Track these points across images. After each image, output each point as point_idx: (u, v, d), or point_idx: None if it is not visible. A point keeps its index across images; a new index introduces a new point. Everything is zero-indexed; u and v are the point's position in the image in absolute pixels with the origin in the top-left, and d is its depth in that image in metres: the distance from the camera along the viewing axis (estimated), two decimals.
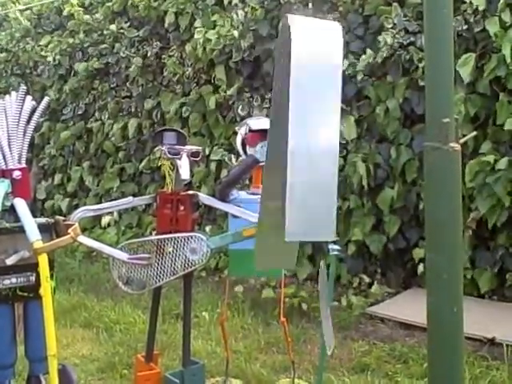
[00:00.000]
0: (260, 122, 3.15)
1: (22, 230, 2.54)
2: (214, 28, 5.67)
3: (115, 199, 3.65)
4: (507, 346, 3.84)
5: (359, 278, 5.03)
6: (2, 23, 8.26)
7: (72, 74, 7.23)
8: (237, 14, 5.53)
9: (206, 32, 5.65)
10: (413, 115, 4.83)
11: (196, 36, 5.71)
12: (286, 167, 1.84)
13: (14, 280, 2.65)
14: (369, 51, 4.85)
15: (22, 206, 2.60)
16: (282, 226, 1.87)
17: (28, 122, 2.76)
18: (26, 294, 2.67)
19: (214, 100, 5.80)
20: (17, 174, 2.68)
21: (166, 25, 6.20)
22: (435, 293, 2.17)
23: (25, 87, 2.86)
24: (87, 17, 6.94)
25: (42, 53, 7.35)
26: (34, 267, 2.59)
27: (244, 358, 3.95)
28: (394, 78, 4.85)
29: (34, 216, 2.61)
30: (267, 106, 5.50)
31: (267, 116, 5.14)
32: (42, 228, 2.60)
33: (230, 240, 2.78)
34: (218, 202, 3.04)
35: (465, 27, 4.48)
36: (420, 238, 4.82)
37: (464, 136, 2.30)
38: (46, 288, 2.47)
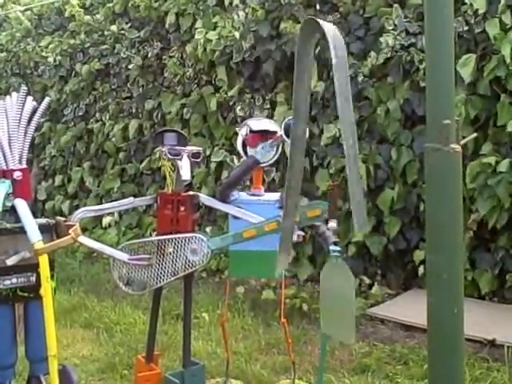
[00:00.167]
0: (260, 123, 3.15)
1: (22, 230, 2.55)
2: (214, 29, 5.67)
3: (116, 200, 3.65)
4: (508, 347, 3.84)
5: (359, 279, 5.03)
6: (2, 24, 8.27)
7: (73, 74, 7.24)
8: (237, 15, 5.53)
9: (206, 33, 5.66)
10: (413, 116, 4.83)
11: (197, 37, 5.71)
12: None
13: (14, 280, 2.65)
14: (373, 53, 4.84)
15: (22, 206, 2.60)
16: None
17: (29, 122, 2.76)
18: (26, 295, 2.67)
19: (214, 101, 5.80)
20: (17, 175, 2.68)
21: (166, 25, 6.20)
22: (435, 294, 2.17)
23: (25, 88, 2.86)
24: (88, 17, 6.94)
25: (43, 53, 7.35)
26: (34, 268, 2.59)
27: (244, 359, 3.95)
28: (394, 79, 4.85)
29: (35, 217, 2.61)
30: (267, 106, 5.50)
31: (267, 117, 5.16)
32: (43, 228, 2.61)
33: (230, 241, 2.78)
34: (219, 202, 3.05)
35: (465, 28, 4.48)
36: (420, 240, 4.82)
37: (464, 137, 2.30)
38: (47, 288, 2.47)
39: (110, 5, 6.80)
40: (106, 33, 6.80)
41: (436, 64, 2.17)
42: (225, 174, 5.74)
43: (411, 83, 4.78)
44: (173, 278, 2.75)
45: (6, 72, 8.06)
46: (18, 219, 2.60)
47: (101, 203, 6.51)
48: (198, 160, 3.03)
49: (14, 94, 2.78)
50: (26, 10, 7.79)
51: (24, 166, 2.73)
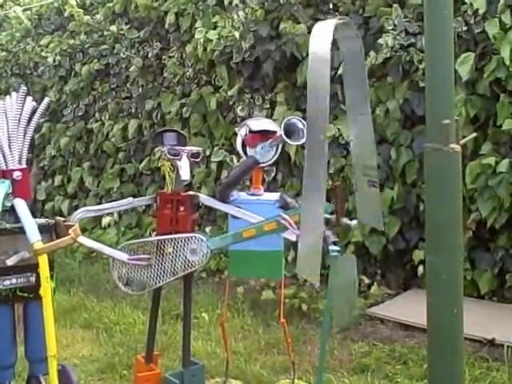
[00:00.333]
0: (260, 123, 3.15)
1: (22, 230, 2.55)
2: (214, 29, 5.67)
3: (115, 200, 3.65)
4: (507, 347, 3.84)
5: (359, 279, 5.02)
6: (1, 23, 8.27)
7: (72, 74, 7.24)
8: (237, 15, 5.53)
9: (206, 32, 5.65)
10: (413, 116, 4.83)
11: (196, 36, 5.70)
12: None
13: (14, 281, 2.65)
14: (372, 53, 4.84)
15: (22, 206, 2.61)
16: None
17: (28, 122, 2.76)
18: (26, 295, 2.67)
19: (214, 101, 5.80)
20: (17, 175, 2.68)
21: (166, 25, 6.19)
22: (435, 294, 2.18)
23: (25, 88, 2.87)
24: (87, 18, 6.94)
25: (43, 53, 7.35)
26: (34, 268, 2.59)
27: (244, 359, 3.95)
28: (394, 79, 4.85)
29: (34, 217, 2.61)
30: (267, 106, 5.50)
31: (267, 117, 5.16)
32: (42, 229, 2.61)
33: (230, 241, 2.78)
34: (218, 202, 3.05)
35: (465, 28, 4.48)
36: (420, 240, 4.81)
37: (464, 137, 2.31)
38: (46, 288, 2.48)
39: (110, 5, 6.80)
40: (105, 33, 6.80)
41: (435, 64, 2.18)
42: (224, 173, 5.74)
43: (411, 83, 4.78)
44: (172, 278, 2.75)
45: (6, 72, 8.05)
46: (17, 219, 2.60)
47: (100, 203, 6.51)
48: (198, 160, 3.03)
49: (14, 94, 2.78)
50: (26, 9, 7.78)
51: (23, 166, 2.73)
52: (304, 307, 4.67)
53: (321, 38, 2.24)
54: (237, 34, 5.46)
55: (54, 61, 7.21)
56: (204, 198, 3.09)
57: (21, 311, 2.73)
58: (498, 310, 4.49)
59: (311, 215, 2.37)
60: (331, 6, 5.25)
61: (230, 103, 5.76)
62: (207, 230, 5.77)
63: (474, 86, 4.55)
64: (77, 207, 6.36)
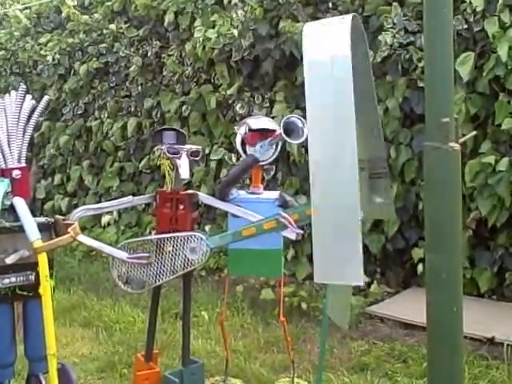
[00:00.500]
0: (259, 122, 3.15)
1: (21, 229, 2.55)
2: (213, 27, 5.67)
3: (115, 198, 3.65)
4: (507, 345, 3.84)
5: None
6: (1, 22, 8.27)
7: (72, 73, 7.24)
8: (236, 14, 5.53)
9: (205, 31, 5.65)
10: (412, 115, 4.83)
11: (196, 35, 5.70)
12: None
13: (13, 279, 2.65)
14: (370, 52, 4.84)
15: (21, 205, 2.60)
16: None
17: (28, 121, 2.76)
18: (25, 293, 2.67)
19: (214, 99, 5.80)
20: (16, 174, 2.68)
21: (165, 24, 6.19)
22: (435, 292, 2.18)
23: (24, 86, 2.86)
24: (86, 17, 6.94)
25: (42, 52, 7.35)
26: (33, 266, 2.59)
27: (243, 358, 3.95)
28: (393, 77, 4.85)
29: (34, 215, 2.61)
30: (267, 105, 5.50)
31: (266, 115, 5.16)
32: (42, 227, 2.61)
33: (229, 239, 2.78)
34: (218, 201, 3.04)
35: (465, 27, 4.48)
36: (419, 238, 4.82)
37: (464, 135, 2.30)
38: (46, 287, 2.47)
39: (109, 3, 6.80)
40: (104, 31, 6.80)
41: (435, 62, 2.18)
42: (224, 172, 5.74)
43: (410, 82, 4.78)
44: (172, 277, 2.75)
45: (5, 71, 8.05)
46: (16, 218, 2.60)
47: (100, 202, 6.50)
48: (197, 158, 3.03)
49: (13, 92, 2.78)
50: (25, 8, 7.78)
51: (23, 164, 2.73)
52: (304, 306, 4.68)
53: (338, 40, 2.21)
54: (236, 33, 5.46)
55: (54, 59, 7.21)
56: (203, 197, 3.08)
57: (20, 310, 2.72)
58: (497, 308, 4.49)
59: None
60: (330, 5, 5.24)
61: (230, 102, 5.76)
62: (207, 228, 5.77)
63: (474, 84, 4.55)
64: (76, 206, 6.36)
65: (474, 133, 3.72)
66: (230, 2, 5.71)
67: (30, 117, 2.76)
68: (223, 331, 3.35)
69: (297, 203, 3.03)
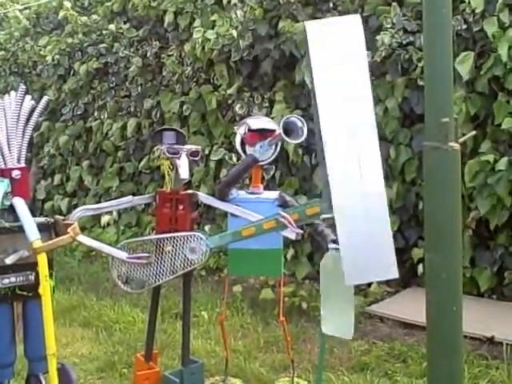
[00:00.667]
0: (259, 122, 3.15)
1: (21, 229, 2.55)
2: (213, 28, 5.67)
3: (114, 198, 3.65)
4: (506, 344, 3.84)
5: None
6: (0, 23, 8.27)
7: (71, 73, 7.24)
8: (236, 14, 5.53)
9: (205, 31, 5.65)
10: (412, 115, 4.83)
11: (195, 35, 5.70)
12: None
13: (13, 279, 2.65)
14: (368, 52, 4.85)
15: (21, 205, 2.61)
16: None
17: (27, 121, 2.76)
18: (25, 293, 2.67)
19: (213, 99, 5.80)
20: (16, 174, 2.68)
21: (165, 24, 6.20)
22: (434, 292, 2.18)
23: (24, 87, 2.86)
24: (85, 18, 6.94)
25: (41, 52, 7.35)
26: (33, 266, 2.59)
27: (243, 357, 3.95)
28: (393, 77, 4.85)
29: (34, 215, 2.61)
30: (266, 105, 5.50)
31: (266, 115, 5.16)
32: (42, 227, 2.61)
33: (229, 239, 2.78)
34: (218, 201, 3.05)
35: (464, 27, 4.48)
36: (419, 238, 4.82)
37: (463, 135, 2.30)
38: (46, 287, 2.47)
39: (109, 4, 6.80)
40: (104, 32, 6.80)
41: (434, 62, 2.18)
42: (224, 172, 5.74)
43: (409, 81, 4.78)
44: (172, 277, 2.75)
45: (5, 71, 8.06)
46: (16, 218, 2.60)
47: (99, 202, 6.50)
48: (197, 158, 3.03)
49: (13, 92, 2.78)
50: (25, 8, 7.78)
51: (23, 164, 2.73)
52: (303, 305, 4.68)
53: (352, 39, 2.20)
54: (235, 33, 5.46)
55: (53, 60, 7.21)
56: (203, 197, 3.09)
57: (20, 310, 2.73)
58: (497, 307, 4.49)
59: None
60: (331, 5, 5.24)
61: (229, 102, 5.76)
62: (206, 228, 5.77)
63: (473, 84, 4.55)
64: (76, 206, 6.35)
65: (474, 132, 3.72)
66: (229, 2, 5.71)
67: (29, 117, 2.76)
68: (223, 331, 3.35)
69: (296, 203, 3.03)
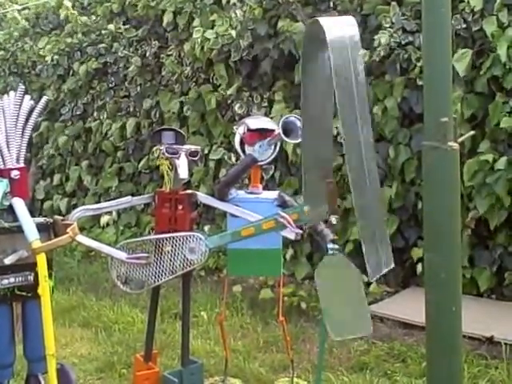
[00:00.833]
0: (258, 122, 3.15)
1: (20, 229, 2.55)
2: (212, 27, 5.67)
3: (114, 199, 3.65)
4: (506, 344, 3.84)
5: None
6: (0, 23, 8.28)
7: (70, 73, 7.24)
8: (235, 14, 5.53)
9: (204, 31, 5.65)
10: (411, 114, 4.83)
11: (194, 35, 5.70)
12: None
13: (12, 279, 2.65)
14: (362, 51, 4.84)
15: (20, 205, 2.61)
16: None
17: (26, 121, 2.76)
18: (24, 294, 2.67)
19: (213, 99, 5.79)
20: (15, 174, 2.68)
21: (164, 24, 6.20)
22: (434, 292, 2.18)
23: (23, 87, 2.87)
24: (84, 18, 6.94)
25: (41, 52, 7.35)
26: (32, 267, 2.59)
27: (243, 357, 3.95)
28: (392, 77, 4.85)
29: (33, 216, 2.61)
30: (266, 105, 5.50)
31: (265, 115, 5.17)
32: (41, 227, 2.61)
33: (228, 239, 2.78)
34: (217, 201, 3.05)
35: (463, 26, 4.48)
36: (419, 238, 4.81)
37: (462, 135, 2.30)
38: (45, 287, 2.48)
39: (108, 4, 6.80)
40: (103, 32, 6.80)
41: (433, 62, 2.18)
42: (223, 172, 5.74)
43: (409, 81, 4.78)
44: (171, 277, 2.75)
45: (4, 71, 8.06)
46: (15, 218, 2.60)
47: (99, 202, 6.50)
48: (196, 158, 3.03)
49: (12, 93, 2.78)
50: (24, 9, 7.78)
51: (22, 165, 2.73)
52: (303, 305, 4.68)
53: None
54: (234, 33, 5.46)
55: (52, 60, 7.21)
56: (202, 197, 3.09)
57: (19, 310, 2.73)
58: (496, 307, 4.49)
59: None
60: (331, 5, 5.24)
61: (229, 102, 5.76)
62: (206, 228, 5.77)
63: (472, 83, 4.55)
64: (75, 206, 6.36)
65: (473, 132, 3.71)
66: (228, 1, 5.71)
67: (28, 117, 2.76)
68: (222, 331, 3.35)
69: (296, 203, 3.03)
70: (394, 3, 4.83)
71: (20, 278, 2.66)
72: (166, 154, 2.92)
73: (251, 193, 3.13)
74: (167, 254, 2.72)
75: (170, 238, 2.74)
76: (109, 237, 6.51)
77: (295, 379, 3.51)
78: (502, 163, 4.33)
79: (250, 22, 5.42)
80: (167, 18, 6.12)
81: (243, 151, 3.09)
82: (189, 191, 3.04)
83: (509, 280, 4.51)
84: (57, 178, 7.62)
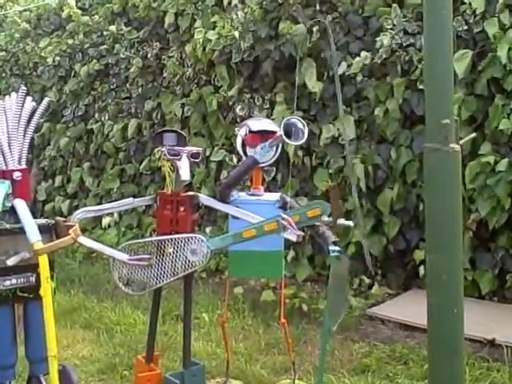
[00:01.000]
0: (260, 123, 3.15)
1: (22, 230, 2.55)
2: (213, 29, 5.67)
3: (115, 200, 3.65)
4: (507, 347, 3.84)
5: (359, 279, 5.03)
6: (1, 24, 8.28)
7: (72, 75, 7.24)
8: (236, 15, 5.53)
9: (205, 32, 5.65)
10: (413, 116, 4.83)
11: (196, 36, 5.70)
12: None
13: (14, 281, 2.65)
14: (363, 53, 4.85)
15: (22, 207, 2.61)
16: None
17: (28, 122, 2.76)
18: (26, 295, 2.67)
19: (214, 101, 5.80)
20: (17, 175, 2.68)
21: (165, 26, 6.20)
22: (435, 294, 2.18)
23: (25, 88, 2.86)
24: (86, 18, 6.94)
25: (42, 54, 7.35)
26: (34, 268, 2.60)
27: (244, 359, 3.95)
28: (393, 78, 4.85)
29: (34, 217, 2.61)
30: (267, 106, 5.50)
31: (267, 117, 5.17)
32: (43, 229, 2.61)
33: (230, 241, 2.78)
34: (218, 203, 3.05)
35: (465, 28, 4.47)
36: (420, 240, 4.81)
37: (461, 138, 2.30)
38: (47, 289, 2.48)
39: (109, 5, 6.80)
40: (104, 33, 6.81)
41: (435, 64, 2.18)
42: (224, 173, 5.74)
43: (410, 83, 4.78)
44: (173, 279, 2.75)
45: (6, 72, 8.06)
46: (17, 220, 2.60)
47: (100, 203, 6.51)
48: (198, 160, 3.03)
49: (14, 94, 2.78)
50: (25, 10, 7.78)
51: (23, 166, 2.73)
52: (304, 307, 4.68)
53: None
54: (236, 34, 5.46)
55: (54, 61, 7.22)
56: (204, 199, 3.09)
57: (21, 311, 2.73)
58: (498, 310, 4.49)
59: None
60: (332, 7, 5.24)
61: (230, 103, 5.76)
62: (207, 230, 5.77)
63: (473, 85, 4.54)
64: (77, 207, 6.36)
65: (474, 134, 3.71)
66: (229, 3, 5.71)
67: (30, 118, 2.76)
68: (224, 333, 3.35)
69: (297, 205, 3.03)
70: (395, 5, 4.83)
71: (22, 280, 2.66)
72: (168, 156, 2.92)
73: (253, 194, 3.13)
74: (169, 255, 2.72)
75: (171, 239, 2.74)
76: (110, 238, 6.51)
77: (297, 381, 3.50)
78: (503, 165, 4.33)
79: (251, 23, 5.43)
80: (169, 19, 6.12)
81: (245, 153, 3.09)
82: (190, 193, 3.04)
83: (510, 282, 4.50)
84: (58, 179, 7.62)
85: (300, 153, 5.24)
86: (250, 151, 3.04)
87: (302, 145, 3.53)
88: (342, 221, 2.64)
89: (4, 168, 2.68)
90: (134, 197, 3.22)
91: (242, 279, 5.01)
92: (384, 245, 5.00)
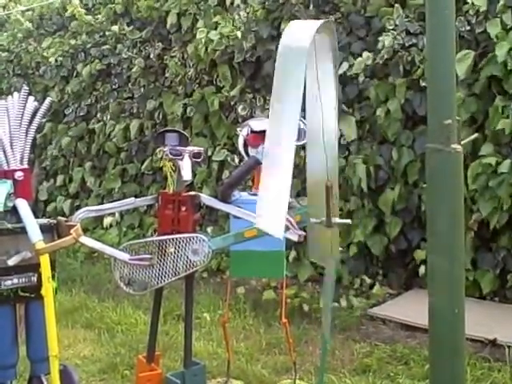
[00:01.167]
0: (262, 123, 3.15)
1: (23, 230, 2.55)
2: (215, 29, 5.67)
3: (117, 200, 3.65)
4: (509, 347, 3.84)
5: (360, 279, 5.03)
6: (4, 24, 8.28)
7: (74, 75, 7.25)
8: (239, 15, 5.54)
9: (208, 32, 5.66)
10: (414, 116, 4.83)
11: (198, 36, 5.70)
12: None
13: (15, 280, 2.65)
14: (365, 53, 4.85)
15: (23, 206, 2.61)
16: None
17: (30, 122, 2.76)
18: (27, 295, 2.68)
19: (216, 101, 5.80)
20: (19, 175, 2.69)
21: (167, 26, 6.20)
22: (436, 294, 2.18)
23: (27, 88, 2.87)
24: (89, 17, 6.95)
25: (44, 54, 7.36)
26: (35, 268, 2.60)
27: (245, 359, 3.95)
28: (395, 79, 4.85)
29: (36, 217, 2.61)
30: (269, 106, 5.49)
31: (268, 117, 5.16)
32: (44, 229, 2.61)
33: (231, 241, 2.78)
34: (220, 202, 3.05)
35: (467, 28, 4.47)
36: (421, 240, 4.81)
37: (462, 139, 2.30)
38: (48, 288, 2.48)
39: (112, 5, 6.81)
40: (107, 33, 6.81)
41: (437, 64, 2.18)
42: (226, 173, 5.74)
43: (412, 83, 4.78)
44: (174, 278, 2.75)
45: (8, 72, 8.06)
46: (19, 219, 2.60)
47: (102, 203, 6.51)
48: (199, 160, 3.03)
49: (16, 94, 2.78)
50: (27, 10, 7.79)
51: (25, 166, 2.74)
52: (305, 307, 4.68)
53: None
54: (238, 34, 5.46)
55: (56, 61, 7.22)
56: (205, 198, 3.09)
57: (22, 311, 2.73)
58: (499, 310, 4.49)
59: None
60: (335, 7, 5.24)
61: (232, 103, 5.76)
62: (209, 230, 5.77)
63: (474, 86, 4.54)
64: (78, 207, 6.35)
65: (476, 135, 3.71)
66: (232, 3, 5.72)
67: (32, 118, 2.77)
68: (225, 333, 3.36)
69: (298, 205, 3.03)
70: (397, 5, 4.83)
71: (23, 279, 2.66)
72: (170, 156, 2.92)
73: (254, 194, 3.13)
74: (170, 255, 2.72)
75: (173, 239, 2.74)
76: (112, 238, 6.52)
77: (298, 381, 3.51)
78: (505, 166, 4.33)
79: (254, 23, 5.43)
80: (171, 19, 6.12)
81: (246, 153, 3.09)
82: (192, 193, 3.04)
83: None
84: (60, 179, 7.62)
85: (302, 153, 5.24)
86: (251, 151, 3.05)
87: (304, 145, 3.53)
88: (337, 219, 2.62)
89: (6, 168, 2.68)
90: (136, 197, 3.22)
91: (243, 279, 5.01)
92: (385, 245, 5.00)
